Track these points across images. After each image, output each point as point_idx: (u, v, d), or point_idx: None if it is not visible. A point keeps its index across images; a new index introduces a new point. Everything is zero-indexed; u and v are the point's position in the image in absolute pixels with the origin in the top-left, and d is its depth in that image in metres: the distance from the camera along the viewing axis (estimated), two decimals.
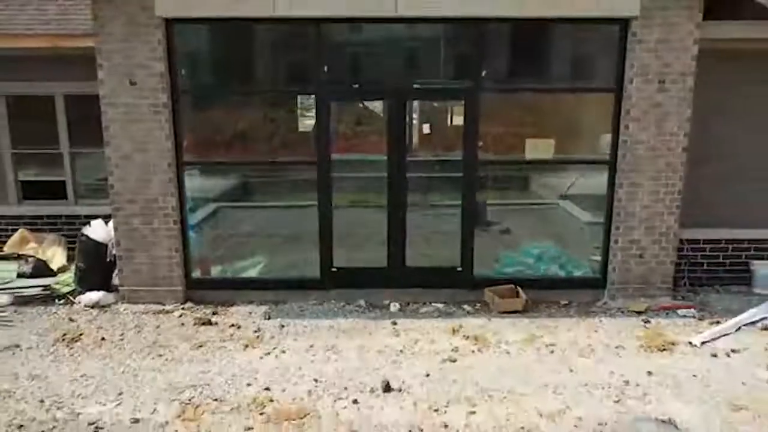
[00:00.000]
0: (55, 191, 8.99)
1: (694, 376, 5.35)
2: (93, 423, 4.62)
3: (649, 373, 5.38)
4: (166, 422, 4.64)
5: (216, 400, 4.95)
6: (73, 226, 8.78)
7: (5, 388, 5.12)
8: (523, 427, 4.55)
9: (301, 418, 4.68)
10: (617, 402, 4.88)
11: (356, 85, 7.02)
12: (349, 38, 6.97)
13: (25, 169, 9.02)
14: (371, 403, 4.90)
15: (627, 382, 5.20)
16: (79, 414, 4.74)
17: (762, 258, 7.61)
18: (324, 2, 6.37)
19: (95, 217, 7.90)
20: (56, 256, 8.21)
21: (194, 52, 7.03)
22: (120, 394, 5.04)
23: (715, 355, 5.75)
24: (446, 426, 4.58)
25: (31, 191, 9.03)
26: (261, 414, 4.75)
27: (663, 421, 4.50)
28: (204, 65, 7.20)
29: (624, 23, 6.57)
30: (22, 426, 4.59)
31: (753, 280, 7.54)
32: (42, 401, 4.93)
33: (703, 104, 6.94)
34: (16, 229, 8.74)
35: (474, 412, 4.76)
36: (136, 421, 4.66)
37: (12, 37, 8.15)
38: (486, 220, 7.66)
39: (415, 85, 6.94)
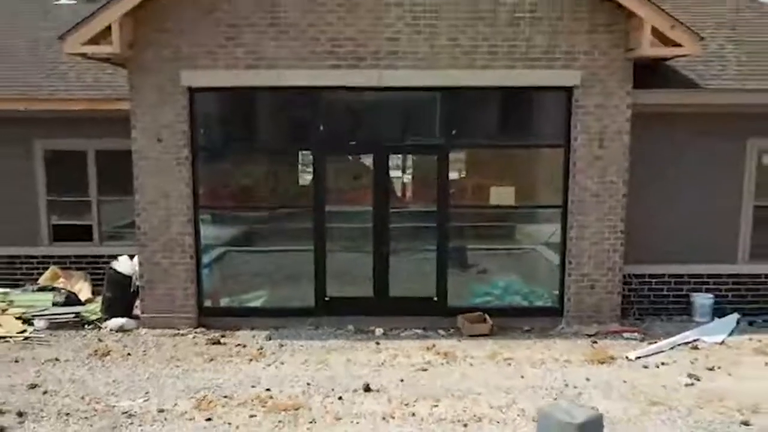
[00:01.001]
0: (82, 234, 10.21)
1: (624, 381, 6.40)
2: (126, 412, 5.67)
3: (587, 379, 6.44)
4: (185, 412, 5.69)
5: (226, 397, 6.00)
6: (96, 265, 9.96)
7: (52, 389, 6.17)
8: (475, 415, 5.59)
9: (296, 410, 5.72)
10: (555, 399, 5.92)
11: (352, 142, 8.33)
12: (342, 103, 8.30)
13: (57, 214, 10.24)
14: (353, 400, 5.94)
15: (566, 385, 6.25)
16: (114, 406, 5.79)
17: (700, 290, 8.72)
18: (321, 75, 7.74)
19: (116, 256, 9.07)
20: (83, 289, 9.34)
21: (211, 114, 8.35)
22: (146, 393, 6.10)
23: (646, 367, 6.81)
24: (413, 415, 5.62)
25: (61, 233, 10.24)
26: (263, 406, 5.79)
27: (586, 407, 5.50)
28: (219, 125, 8.51)
29: (569, 91, 7.92)
30: (68, 414, 5.63)
31: (692, 310, 8.63)
32: (83, 397, 5.98)
33: (643, 156, 8.20)
34: (47, 267, 9.92)
35: (437, 406, 5.81)
36: (161, 411, 5.70)
37: (55, 101, 9.54)
38: (466, 263, 8.81)
39: (395, 142, 8.25)
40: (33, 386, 6.22)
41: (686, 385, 6.31)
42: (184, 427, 5.42)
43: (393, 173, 8.38)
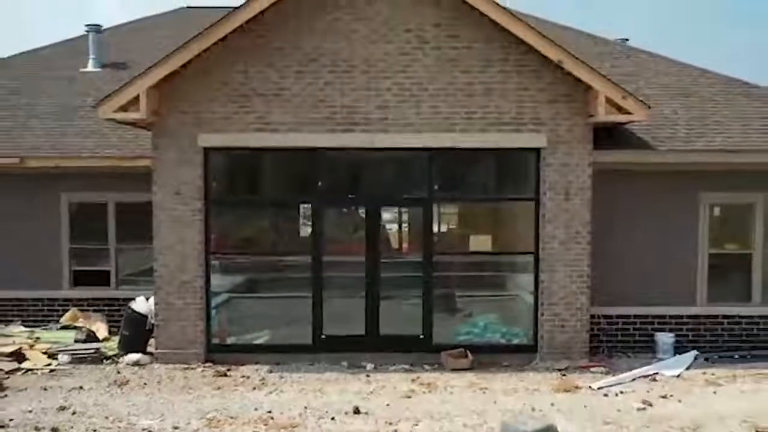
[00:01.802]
0: (100, 279, 11.16)
1: (584, 406, 7.23)
2: (145, 429, 6.50)
3: (552, 404, 7.26)
4: (197, 429, 6.51)
5: (232, 417, 6.82)
6: (113, 307, 10.88)
7: (79, 410, 7.00)
8: (460, 427, 6.41)
9: (294, 428, 6.55)
10: None
11: (348, 196, 9.39)
12: (338, 161, 9.39)
13: (78, 261, 11.21)
14: (344, 420, 6.77)
15: (533, 409, 7.07)
16: (134, 424, 6.62)
17: (663, 330, 9.59)
18: (320, 138, 8.87)
19: (131, 299, 9.98)
20: (100, 329, 10.23)
21: (223, 171, 9.42)
22: (162, 414, 6.92)
23: (606, 395, 7.64)
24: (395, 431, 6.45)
25: (80, 278, 11.19)
26: (265, 425, 6.61)
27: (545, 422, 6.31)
28: (229, 181, 9.58)
29: (537, 152, 9.02)
30: (95, 430, 6.45)
31: (656, 347, 9.48)
32: (106, 417, 6.80)
33: (610, 207, 9.23)
34: (68, 308, 10.83)
35: (417, 425, 6.63)
36: (176, 428, 6.53)
37: (81, 158, 10.67)
38: (454, 307, 9.72)
39: (385, 196, 9.31)
40: (62, 408, 7.05)
41: (638, 409, 7.13)
42: None
43: (384, 224, 9.42)
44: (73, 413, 6.92)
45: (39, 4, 53.42)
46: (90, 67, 13.62)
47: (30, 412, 6.94)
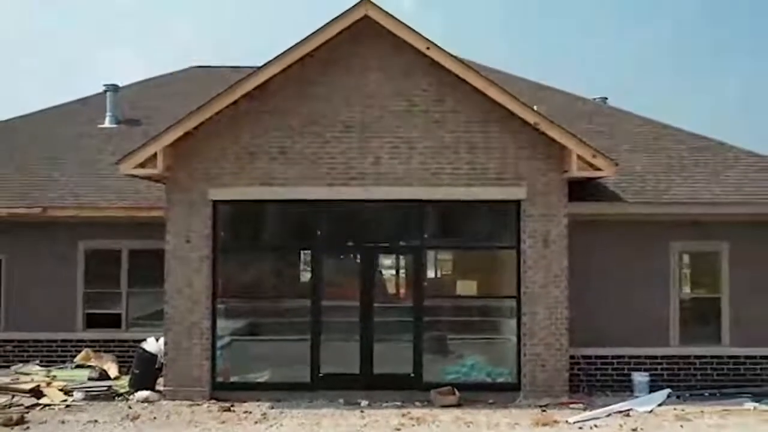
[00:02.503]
0: (111, 321, 11.87)
1: None
2: None
3: None
4: None
5: None
6: (122, 348, 11.56)
7: None
8: None
9: None
10: None
11: (344, 244, 10.21)
12: (336, 212, 10.22)
13: (91, 304, 11.93)
14: None
15: None
16: None
17: (639, 369, 10.24)
18: (319, 191, 9.74)
19: (140, 341, 10.66)
20: (111, 368, 10.88)
21: (230, 221, 10.23)
22: None
23: (580, 428, 8.28)
24: None
25: (93, 321, 11.90)
26: None
27: None
28: (236, 230, 10.39)
29: (517, 204, 9.87)
30: None
31: (633, 386, 10.11)
32: None
33: (589, 254, 10.00)
34: (80, 349, 11.51)
35: None
36: None
37: (98, 209, 11.54)
38: (443, 349, 10.40)
39: (379, 244, 10.13)
40: None
41: None
42: None
43: (380, 270, 10.20)
44: None
45: (53, 62, 55.60)
46: (107, 123, 14.66)
47: None
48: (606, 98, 15.30)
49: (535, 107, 11.97)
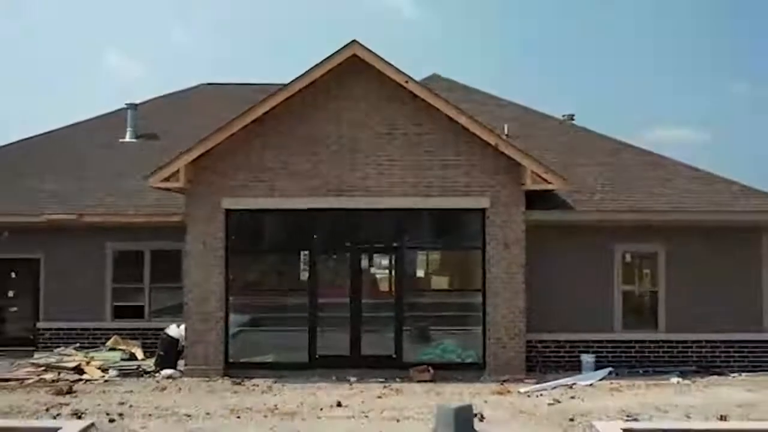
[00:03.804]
0: (136, 312, 13.69)
1: (510, 403, 9.67)
2: (186, 414, 8.93)
3: (485, 401, 9.69)
4: (223, 414, 8.95)
5: (248, 408, 9.27)
6: (145, 335, 13.36)
7: (134, 404, 9.44)
8: (405, 416, 8.85)
9: (293, 414, 8.99)
10: None
11: (335, 246, 12.04)
12: (330, 219, 12.02)
13: (118, 297, 13.75)
14: (330, 411, 9.20)
15: (475, 407, 9.49)
16: (177, 412, 9.05)
17: (587, 352, 12.05)
18: (315, 201, 11.56)
19: (161, 329, 12.47)
20: (138, 352, 12.69)
21: (239, 226, 12.02)
22: (197, 406, 9.37)
23: (528, 396, 10.09)
24: (366, 416, 8.88)
25: (119, 312, 13.73)
26: (272, 413, 9.05)
27: (472, 410, 8.68)
28: (244, 234, 12.18)
29: (483, 212, 11.69)
30: (150, 415, 8.89)
31: (582, 366, 11.92)
32: (156, 408, 9.25)
33: (546, 254, 11.79)
34: (109, 337, 13.31)
35: (383, 412, 9.07)
36: (208, 413, 8.97)
37: (126, 215, 13.36)
38: (423, 335, 12.21)
39: (366, 246, 11.96)
40: (121, 403, 9.50)
41: (549, 404, 9.58)
42: (224, 420, 8.70)
43: (369, 267, 12.05)
44: (130, 406, 9.37)
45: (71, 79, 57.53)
46: (128, 138, 16.52)
47: (98, 405, 9.39)
48: (573, 115, 17.15)
49: (505, 125, 13.89)
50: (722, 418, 8.72)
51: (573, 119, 17.10)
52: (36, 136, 16.71)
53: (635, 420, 8.59)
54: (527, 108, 16.24)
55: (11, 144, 16.44)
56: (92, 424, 8.12)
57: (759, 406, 9.56)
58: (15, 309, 14.07)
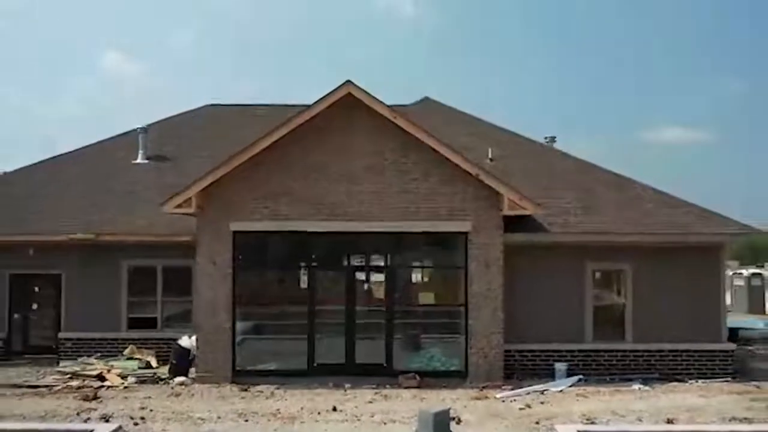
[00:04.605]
0: (149, 323, 14.93)
1: (486, 407, 10.91)
2: (200, 417, 10.17)
3: (465, 406, 10.94)
4: (233, 417, 10.19)
5: (254, 412, 10.50)
6: (158, 344, 14.58)
7: (153, 409, 10.68)
8: (393, 419, 10.09)
9: (294, 418, 10.23)
10: None
11: (331, 264, 13.28)
12: (326, 240, 13.25)
13: (133, 309, 14.99)
14: (327, 414, 10.44)
15: (452, 409, 10.73)
16: (192, 416, 10.28)
17: (560, 360, 13.28)
18: (314, 224, 12.80)
19: (173, 339, 13.71)
20: (152, 360, 13.93)
21: (245, 246, 13.25)
22: (209, 410, 10.60)
23: (503, 401, 11.33)
24: (359, 419, 10.12)
25: (134, 323, 14.96)
26: (275, 416, 10.29)
27: (450, 414, 9.89)
28: (250, 253, 13.42)
29: (465, 234, 12.93)
30: (169, 419, 10.13)
31: (555, 373, 13.15)
32: (173, 412, 10.48)
33: (523, 272, 13.02)
34: (125, 346, 14.53)
35: (373, 416, 10.31)
36: (219, 417, 10.20)
37: (140, 235, 14.58)
38: (409, 344, 13.46)
39: (359, 264, 13.20)
40: (142, 408, 10.73)
41: (520, 408, 10.82)
42: (233, 423, 9.94)
43: (360, 278, 13.30)
44: (150, 411, 10.60)
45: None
46: (140, 159, 17.73)
47: (122, 409, 10.62)
48: (554, 137, 18.41)
49: (490, 149, 15.15)
50: (669, 421, 9.96)
51: (554, 141, 18.38)
52: (55, 156, 17.92)
53: (592, 423, 9.83)
54: (511, 132, 17.49)
55: (34, 164, 17.63)
56: (120, 427, 9.35)
57: (706, 410, 10.81)
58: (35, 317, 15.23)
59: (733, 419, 10.13)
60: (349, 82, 12.59)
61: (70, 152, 18.23)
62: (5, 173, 18.17)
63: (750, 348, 17.18)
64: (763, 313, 27.05)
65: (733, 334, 18.77)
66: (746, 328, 19.17)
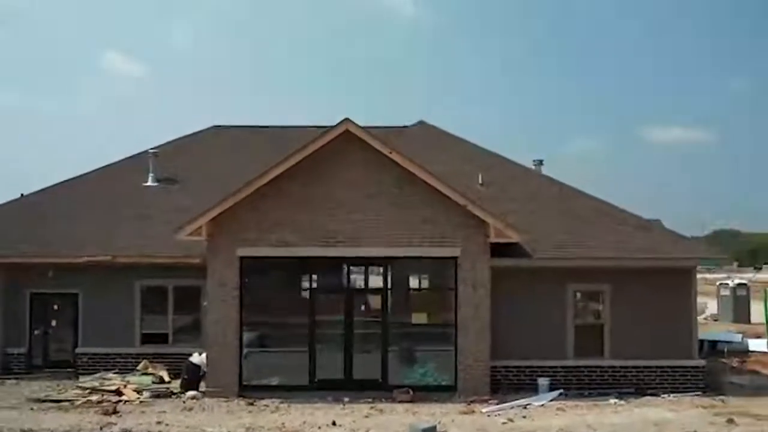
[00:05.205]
0: (161, 339, 15.97)
1: (472, 421, 11.95)
2: (211, 430, 11.22)
3: (452, 420, 11.97)
4: (239, 431, 11.24)
5: (260, 426, 11.55)
6: (169, 358, 15.61)
7: (168, 423, 11.72)
8: (392, 431, 11.15)
9: (297, 431, 11.28)
10: None
11: (332, 287, 14.34)
12: (326, 264, 14.30)
13: (145, 326, 16.03)
14: (327, 429, 11.49)
15: (439, 422, 11.77)
16: (205, 429, 11.34)
17: (543, 376, 14.31)
18: (315, 249, 13.84)
19: (184, 353, 14.75)
20: (164, 375, 14.97)
21: (252, 270, 14.30)
22: (219, 424, 11.65)
23: (488, 416, 12.38)
24: None
25: (147, 338, 16.00)
26: (279, 430, 11.33)
27: (437, 430, 10.93)
28: (256, 276, 14.46)
29: (455, 259, 13.97)
30: None
31: (538, 388, 14.19)
32: (186, 426, 11.53)
33: (510, 294, 14.07)
34: (138, 360, 15.57)
35: (368, 430, 11.35)
36: (228, 431, 11.26)
37: (153, 257, 15.62)
38: (414, 357, 14.50)
39: (357, 287, 14.26)
40: (158, 422, 11.78)
41: (503, 423, 11.87)
42: None
43: (358, 299, 14.35)
44: (166, 425, 11.65)
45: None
46: (150, 182, 18.77)
47: (140, 424, 11.67)
48: (542, 161, 19.45)
49: (480, 175, 16.19)
50: None
51: (542, 164, 19.44)
52: (71, 179, 18.95)
53: None
54: (500, 156, 18.55)
55: (50, 186, 18.66)
56: None
57: (673, 423, 11.85)
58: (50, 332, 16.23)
59: None
60: (347, 119, 13.64)
61: (84, 174, 19.25)
62: (22, 195, 19.17)
63: (725, 361, 18.33)
64: (748, 322, 28.13)
65: (712, 347, 19.94)
66: (724, 341, 20.35)
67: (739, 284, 29.85)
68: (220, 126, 22.10)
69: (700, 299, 33.27)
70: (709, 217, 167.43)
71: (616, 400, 13.54)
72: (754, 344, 20.12)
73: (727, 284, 29.92)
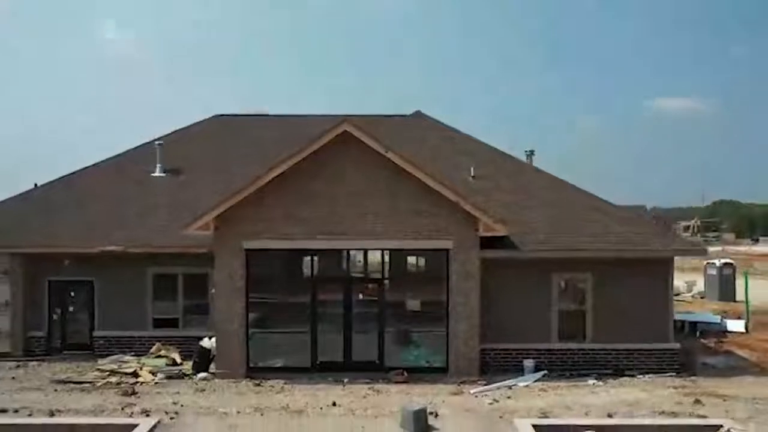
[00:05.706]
0: (171, 323, 17.03)
1: (461, 402, 13.04)
2: (222, 411, 12.31)
3: (443, 401, 13.07)
4: (249, 412, 12.33)
5: (267, 407, 12.64)
6: (180, 341, 16.68)
7: (183, 403, 12.81)
8: (382, 412, 12.22)
9: (300, 412, 12.37)
10: None
11: (333, 276, 15.34)
12: (329, 256, 15.27)
13: (157, 311, 17.08)
14: (328, 408, 12.58)
15: (430, 403, 12.85)
16: (217, 409, 12.43)
17: (528, 358, 15.39)
18: (316, 242, 14.80)
19: (196, 337, 15.82)
20: (176, 357, 16.05)
21: (256, 261, 15.26)
22: (230, 405, 12.75)
23: (476, 396, 13.47)
24: (353, 413, 12.27)
25: (159, 322, 17.06)
26: (284, 410, 12.43)
27: (428, 411, 12.01)
28: (261, 267, 15.43)
29: (447, 251, 14.93)
30: (198, 413, 12.26)
31: (524, 369, 15.29)
32: (200, 407, 12.62)
33: (499, 282, 15.07)
34: (151, 343, 16.64)
35: (366, 409, 12.45)
36: (239, 411, 12.35)
37: (163, 246, 16.57)
38: (409, 341, 15.57)
39: (358, 276, 15.25)
40: (174, 403, 12.88)
41: (489, 403, 12.97)
42: (252, 417, 12.09)
43: (357, 287, 15.36)
44: (181, 405, 12.75)
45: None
46: (157, 172, 19.63)
47: (157, 404, 12.76)
48: (533, 151, 20.31)
49: (472, 168, 17.06)
50: (609, 415, 12.09)
51: (533, 154, 20.30)
52: (83, 169, 19.81)
53: (546, 417, 11.96)
54: (494, 148, 19.40)
55: (63, 177, 19.53)
56: (159, 421, 11.49)
57: (644, 403, 12.95)
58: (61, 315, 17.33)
59: (662, 413, 12.26)
60: (345, 120, 14.46)
61: (94, 165, 20.11)
62: (36, 185, 20.05)
63: (704, 341, 19.46)
64: (734, 300, 29.27)
65: (692, 328, 21.07)
66: (704, 322, 21.47)
67: (726, 264, 30.87)
68: (222, 115, 22.90)
69: (690, 276, 34.74)
70: (709, 187, 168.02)
71: (595, 381, 14.64)
72: (732, 325, 21.21)
73: (714, 264, 30.95)
